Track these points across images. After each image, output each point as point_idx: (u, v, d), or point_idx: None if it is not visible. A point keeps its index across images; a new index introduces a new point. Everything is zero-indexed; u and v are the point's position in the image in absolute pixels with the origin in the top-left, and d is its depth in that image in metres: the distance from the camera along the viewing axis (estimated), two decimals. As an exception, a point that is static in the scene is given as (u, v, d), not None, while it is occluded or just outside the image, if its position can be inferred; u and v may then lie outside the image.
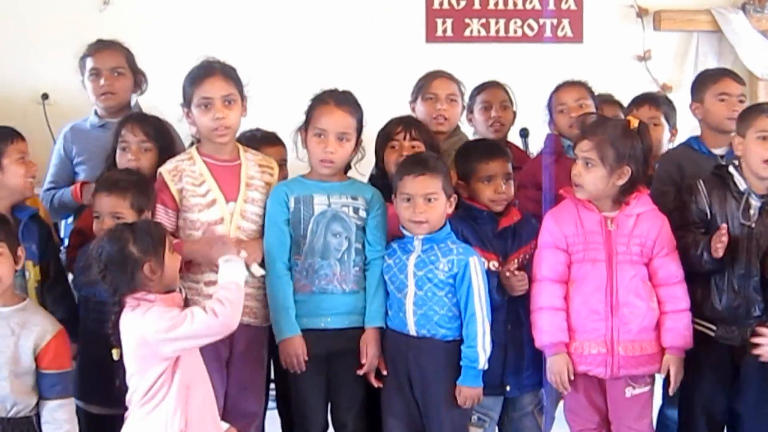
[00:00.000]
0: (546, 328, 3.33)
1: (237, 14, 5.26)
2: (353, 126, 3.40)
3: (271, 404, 3.83)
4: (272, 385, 3.82)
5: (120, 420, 2.99)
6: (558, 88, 3.99)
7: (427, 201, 3.28)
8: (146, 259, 2.90)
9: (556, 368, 3.32)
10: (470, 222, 3.44)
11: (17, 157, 3.32)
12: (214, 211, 3.35)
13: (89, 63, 3.97)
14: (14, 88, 5.07)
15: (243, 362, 3.39)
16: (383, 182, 3.58)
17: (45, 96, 5.11)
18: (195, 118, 3.37)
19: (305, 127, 3.43)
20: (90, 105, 4.05)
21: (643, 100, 4.22)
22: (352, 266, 3.36)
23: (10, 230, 3.05)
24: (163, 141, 3.57)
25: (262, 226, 3.41)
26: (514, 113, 4.33)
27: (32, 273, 3.32)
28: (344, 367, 3.38)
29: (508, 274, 3.35)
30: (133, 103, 4.06)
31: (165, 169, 3.37)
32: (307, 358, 3.33)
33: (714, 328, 3.41)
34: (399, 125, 3.66)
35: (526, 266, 3.43)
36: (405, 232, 3.35)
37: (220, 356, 3.35)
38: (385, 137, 3.66)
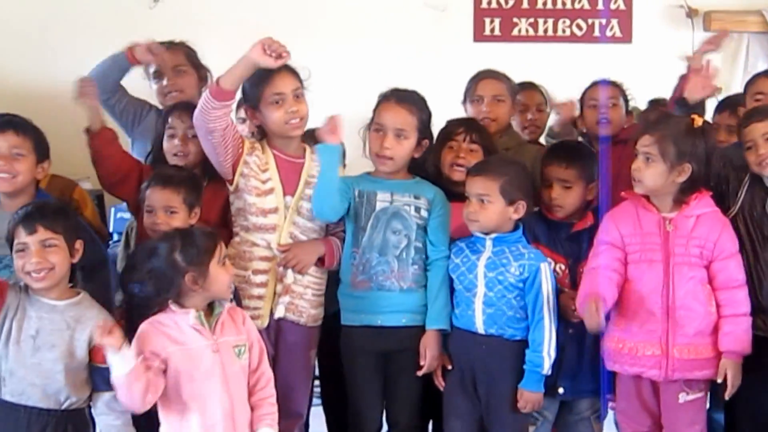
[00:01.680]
0: (586, 290, 3.28)
1: (287, 13, 5.28)
2: (413, 124, 3.40)
3: (315, 401, 3.82)
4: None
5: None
6: (593, 85, 4.08)
7: (480, 201, 3.30)
8: (188, 269, 2.91)
9: (586, 310, 3.20)
10: (544, 222, 3.46)
11: None
12: (270, 199, 3.38)
13: (152, 66, 3.98)
14: (65, 83, 4.89)
15: (289, 362, 3.39)
16: (437, 181, 3.57)
17: (95, 89, 5.13)
18: (265, 116, 3.38)
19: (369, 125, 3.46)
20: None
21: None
22: (410, 264, 3.37)
23: (68, 223, 3.04)
24: None
25: (319, 225, 3.45)
26: (548, 114, 4.35)
27: None
28: (401, 365, 3.38)
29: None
30: None
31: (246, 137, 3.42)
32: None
33: (758, 323, 3.34)
34: (461, 126, 3.64)
35: None
36: (475, 233, 3.37)
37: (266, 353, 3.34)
38: (444, 136, 3.64)
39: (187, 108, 3.56)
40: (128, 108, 3.97)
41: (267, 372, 3.08)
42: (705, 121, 3.36)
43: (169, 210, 3.27)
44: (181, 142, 3.50)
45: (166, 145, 3.55)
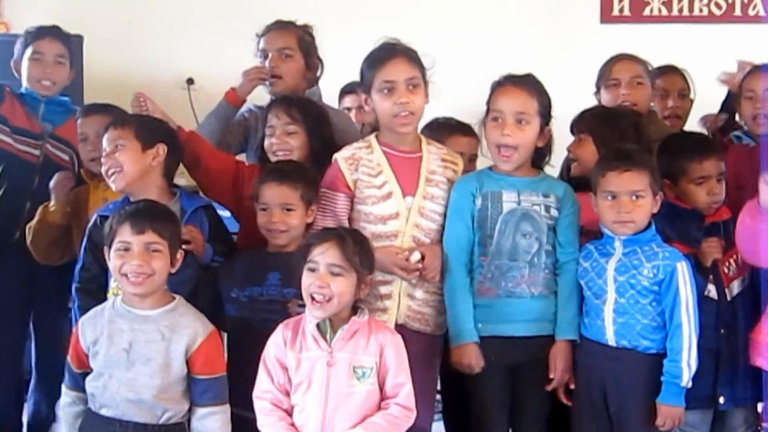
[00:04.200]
0: None
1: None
2: (534, 108, 3.20)
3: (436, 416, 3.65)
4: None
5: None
6: (750, 73, 3.75)
7: (634, 199, 3.09)
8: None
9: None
10: (672, 219, 3.22)
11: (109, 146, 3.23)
12: (389, 204, 3.21)
13: (261, 44, 3.81)
14: (159, 72, 5.14)
15: (414, 374, 3.15)
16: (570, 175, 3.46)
17: (190, 81, 5.25)
18: (376, 104, 3.23)
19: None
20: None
21: None
22: (542, 269, 3.20)
23: (175, 230, 2.95)
24: (312, 123, 3.43)
25: (442, 225, 3.26)
26: (692, 101, 4.14)
27: None
28: (530, 379, 3.24)
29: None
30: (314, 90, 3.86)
31: (341, 156, 3.24)
32: (482, 365, 3.18)
33: None
34: None
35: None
36: (606, 232, 3.16)
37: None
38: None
39: (285, 103, 3.47)
40: (238, 131, 3.81)
41: (404, 401, 2.92)
42: None
43: (286, 207, 3.15)
44: (278, 140, 3.38)
45: (266, 143, 3.44)
